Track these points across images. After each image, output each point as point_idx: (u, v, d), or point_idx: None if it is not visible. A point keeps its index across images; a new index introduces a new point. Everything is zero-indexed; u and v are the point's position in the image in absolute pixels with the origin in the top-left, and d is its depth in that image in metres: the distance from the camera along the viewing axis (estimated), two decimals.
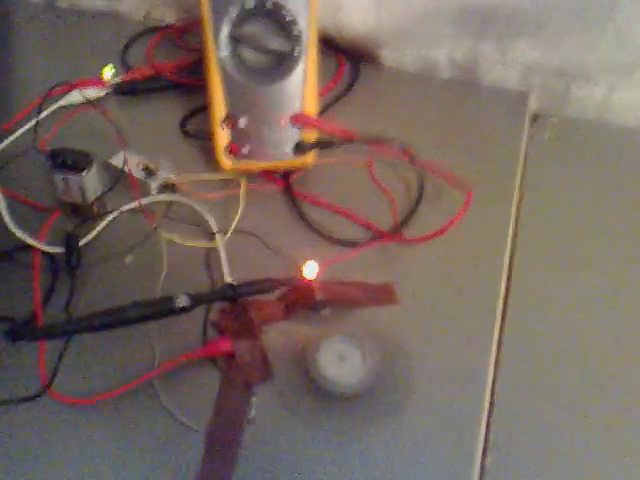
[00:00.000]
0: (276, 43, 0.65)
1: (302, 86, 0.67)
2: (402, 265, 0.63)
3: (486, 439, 0.52)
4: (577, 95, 0.80)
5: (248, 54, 0.66)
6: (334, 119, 0.71)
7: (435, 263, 0.63)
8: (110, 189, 0.65)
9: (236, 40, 0.65)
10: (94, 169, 0.62)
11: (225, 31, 0.65)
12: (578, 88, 0.79)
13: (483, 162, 0.73)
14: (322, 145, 0.68)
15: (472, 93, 0.83)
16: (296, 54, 0.66)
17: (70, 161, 0.61)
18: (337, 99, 0.80)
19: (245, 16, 0.64)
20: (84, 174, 0.61)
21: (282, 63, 0.66)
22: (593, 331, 0.59)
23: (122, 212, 0.65)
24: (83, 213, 0.65)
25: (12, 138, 0.72)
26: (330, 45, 0.85)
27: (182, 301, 0.53)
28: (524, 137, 0.77)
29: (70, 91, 0.76)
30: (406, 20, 0.80)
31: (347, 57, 0.86)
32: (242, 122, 0.67)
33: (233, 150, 0.68)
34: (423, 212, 0.67)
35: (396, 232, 0.65)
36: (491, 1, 0.75)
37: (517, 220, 0.68)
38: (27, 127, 0.73)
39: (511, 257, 0.65)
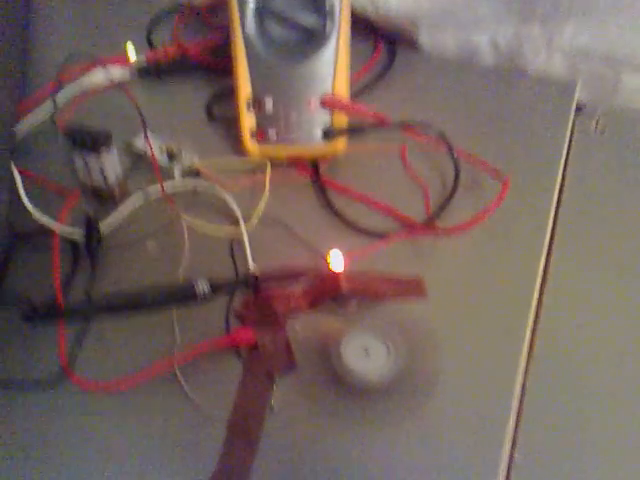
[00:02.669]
0: (306, 18, 0.66)
1: (333, 65, 0.68)
2: (433, 258, 0.65)
3: (514, 436, 0.53)
4: (628, 84, 0.80)
5: (276, 30, 0.67)
6: (367, 104, 0.73)
7: (468, 256, 0.65)
8: (131, 171, 0.68)
9: (263, 15, 0.66)
10: (114, 149, 0.65)
11: (251, 5, 0.66)
12: (629, 76, 0.80)
13: (524, 153, 0.74)
14: (353, 130, 0.70)
15: (515, 81, 0.84)
16: (327, 30, 0.67)
17: (89, 140, 0.63)
18: (371, 84, 0.82)
19: None
20: (103, 153, 0.63)
21: (312, 40, 0.67)
22: (631, 332, 0.60)
23: (144, 196, 0.68)
24: (104, 196, 0.68)
25: (31, 118, 0.76)
26: (365, 27, 0.87)
27: (203, 287, 0.56)
28: (569, 127, 0.77)
29: (92, 70, 0.80)
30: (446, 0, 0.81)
31: (383, 40, 0.88)
32: (269, 104, 0.69)
33: (259, 134, 0.70)
34: (458, 203, 0.68)
35: (429, 223, 0.67)
36: None
37: (557, 213, 0.69)
38: (46, 107, 0.76)
39: (549, 252, 0.65)
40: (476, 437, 0.53)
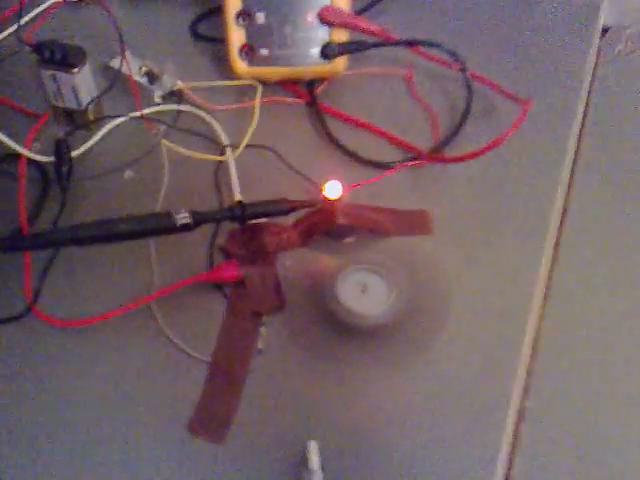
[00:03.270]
0: None
1: None
2: (441, 190, 0.61)
3: (526, 382, 0.50)
4: None
5: None
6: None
7: (479, 188, 0.60)
8: (107, 91, 0.63)
9: None
10: (88, 67, 0.60)
11: None
12: None
13: (543, 78, 0.70)
14: (354, 48, 0.65)
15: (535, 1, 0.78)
16: None
17: (60, 55, 0.58)
18: (375, 1, 0.76)
19: None
20: (76, 71, 0.58)
21: None
22: None
23: (122, 121, 0.63)
24: (77, 120, 0.63)
25: None
26: None
27: (183, 217, 0.51)
28: (593, 50, 0.73)
29: None
30: None
31: None
32: (260, 17, 0.63)
33: (249, 52, 0.65)
34: (470, 131, 0.64)
35: (436, 152, 0.62)
36: None
37: (579, 142, 0.64)
38: (12, 22, 0.71)
39: (569, 183, 0.61)
40: (487, 380, 0.49)
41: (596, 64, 0.72)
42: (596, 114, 0.67)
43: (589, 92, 0.69)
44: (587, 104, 0.68)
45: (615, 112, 0.68)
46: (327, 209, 0.56)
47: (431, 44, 0.64)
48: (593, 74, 0.71)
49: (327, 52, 0.64)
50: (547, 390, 0.50)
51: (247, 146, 0.61)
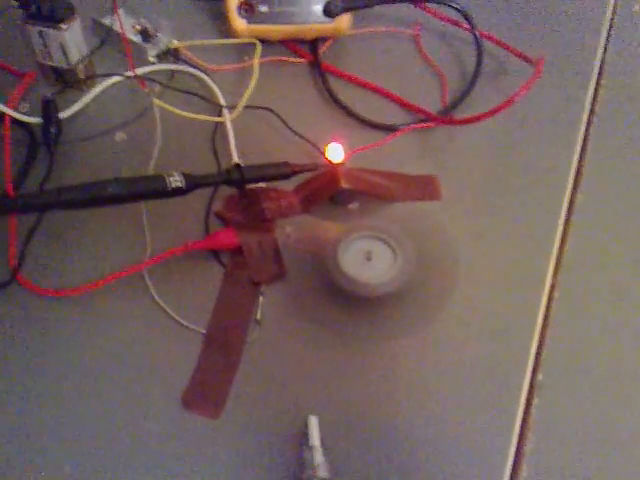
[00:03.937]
0: None
1: None
2: (450, 154, 0.58)
3: (538, 355, 0.47)
4: None
5: None
6: None
7: (490, 151, 0.58)
8: (97, 49, 0.59)
9: None
10: (77, 23, 0.57)
11: None
12: None
13: (557, 38, 0.67)
14: (359, 5, 0.62)
15: None
16: None
17: (47, 10, 0.55)
18: None
19: None
20: (64, 27, 0.55)
21: None
22: None
23: (114, 81, 0.60)
24: (67, 79, 0.59)
25: None
26: None
27: (176, 180, 0.48)
28: (608, 9, 0.70)
29: None
30: None
31: None
32: None
33: (248, 8, 0.62)
34: (479, 93, 0.61)
35: (445, 114, 0.59)
36: None
37: (593, 103, 0.62)
38: None
39: (584, 144, 0.59)
40: (496, 351, 0.47)
41: (611, 24, 0.69)
42: (611, 75, 0.64)
43: (604, 52, 0.66)
44: (602, 64, 0.65)
45: (631, 72, 0.65)
46: (330, 173, 0.54)
47: (439, 1, 0.61)
48: (608, 34, 0.68)
49: (330, 9, 0.61)
50: (559, 363, 0.47)
51: (246, 107, 0.58)
